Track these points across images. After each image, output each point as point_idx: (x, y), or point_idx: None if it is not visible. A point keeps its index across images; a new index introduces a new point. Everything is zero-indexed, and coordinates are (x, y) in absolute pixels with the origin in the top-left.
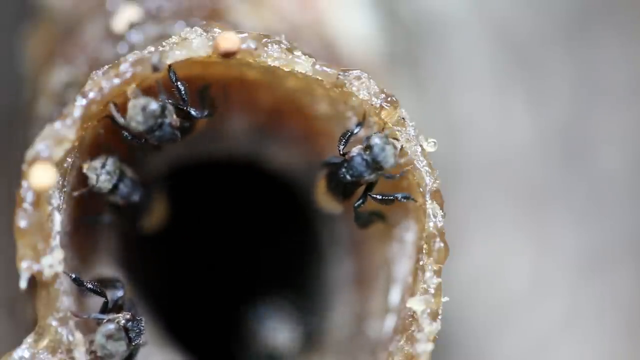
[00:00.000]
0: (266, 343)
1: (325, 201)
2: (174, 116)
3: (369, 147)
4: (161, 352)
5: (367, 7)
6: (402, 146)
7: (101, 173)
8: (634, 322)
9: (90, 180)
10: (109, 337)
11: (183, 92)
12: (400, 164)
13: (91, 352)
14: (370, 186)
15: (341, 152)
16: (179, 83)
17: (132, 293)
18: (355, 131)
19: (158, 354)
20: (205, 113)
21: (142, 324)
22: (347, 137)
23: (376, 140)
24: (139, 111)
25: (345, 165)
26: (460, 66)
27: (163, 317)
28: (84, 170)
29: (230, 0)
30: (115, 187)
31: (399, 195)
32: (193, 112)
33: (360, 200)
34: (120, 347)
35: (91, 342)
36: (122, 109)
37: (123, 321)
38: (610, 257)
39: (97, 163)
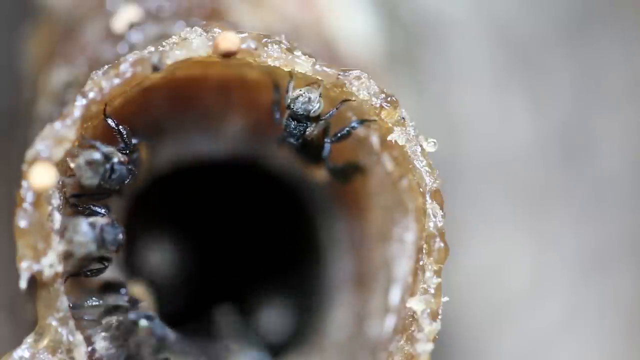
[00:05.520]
0: (266, 343)
1: (311, 172)
2: (119, 155)
3: (288, 107)
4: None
5: (367, 7)
6: (318, 87)
7: (81, 239)
8: (634, 322)
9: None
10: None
11: (118, 129)
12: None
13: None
14: (325, 133)
15: (278, 124)
16: (116, 126)
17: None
18: (275, 98)
19: None
20: (135, 140)
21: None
22: (273, 107)
23: (288, 99)
24: (85, 166)
25: (285, 134)
26: (460, 66)
27: (163, 318)
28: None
29: (230, 0)
30: (103, 260)
31: (353, 124)
32: (127, 142)
33: (326, 149)
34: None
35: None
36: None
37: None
38: (610, 257)
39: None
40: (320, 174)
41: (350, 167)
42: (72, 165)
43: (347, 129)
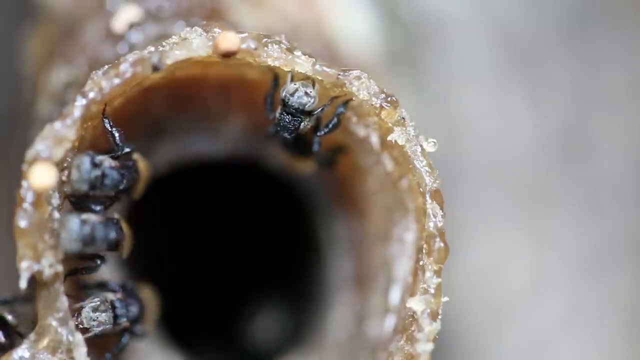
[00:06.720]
0: (265, 343)
1: (298, 166)
2: (110, 160)
3: (283, 101)
4: (161, 352)
5: (367, 7)
6: (313, 82)
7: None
8: (634, 322)
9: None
10: (95, 309)
11: (111, 132)
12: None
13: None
14: (315, 128)
15: (271, 118)
16: (110, 127)
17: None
18: (271, 92)
19: (158, 354)
20: (127, 147)
21: (134, 308)
22: (266, 101)
23: (283, 93)
24: (76, 176)
25: (278, 128)
26: (460, 66)
27: (163, 317)
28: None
29: (230, 0)
30: (95, 257)
31: (339, 110)
32: (119, 145)
33: (316, 145)
34: (105, 319)
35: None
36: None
37: (112, 297)
38: (610, 256)
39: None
40: (306, 166)
41: (334, 151)
42: (63, 178)
43: (336, 117)
